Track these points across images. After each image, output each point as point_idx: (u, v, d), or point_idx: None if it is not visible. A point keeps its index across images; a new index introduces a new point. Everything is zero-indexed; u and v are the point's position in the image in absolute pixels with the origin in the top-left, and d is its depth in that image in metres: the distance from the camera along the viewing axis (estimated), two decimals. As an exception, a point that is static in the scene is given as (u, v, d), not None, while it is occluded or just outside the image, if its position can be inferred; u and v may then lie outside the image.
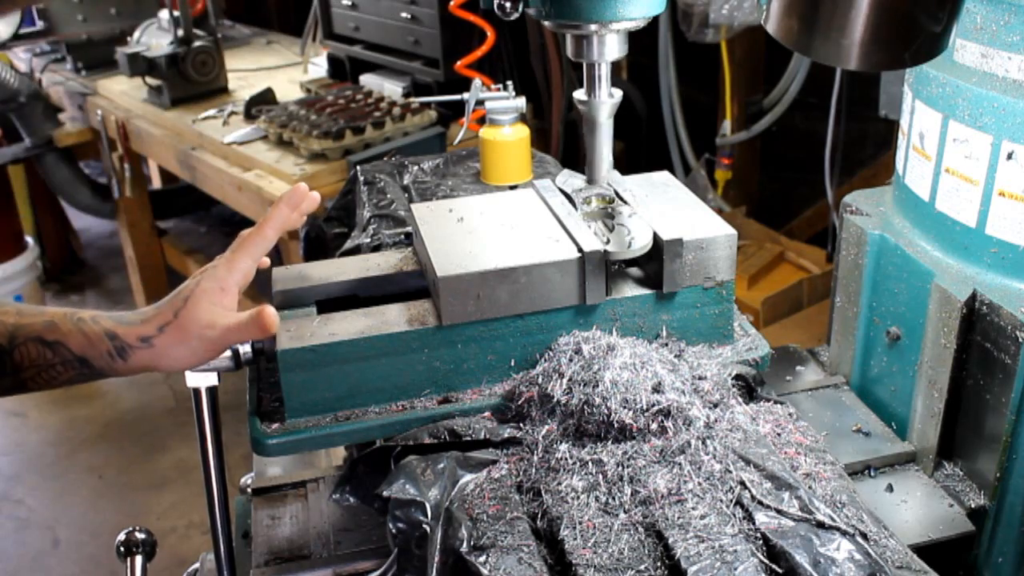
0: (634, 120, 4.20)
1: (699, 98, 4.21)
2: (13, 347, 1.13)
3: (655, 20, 1.37)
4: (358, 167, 2.04)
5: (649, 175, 1.52)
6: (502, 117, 1.96)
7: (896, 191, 1.56)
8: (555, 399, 1.20)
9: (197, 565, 1.50)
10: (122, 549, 1.43)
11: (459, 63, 2.89)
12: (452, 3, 2.89)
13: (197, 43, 3.89)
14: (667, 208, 1.39)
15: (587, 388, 1.19)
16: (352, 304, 1.34)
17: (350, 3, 3.78)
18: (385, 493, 1.11)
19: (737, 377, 1.31)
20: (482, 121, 2.00)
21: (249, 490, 1.51)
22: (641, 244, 1.29)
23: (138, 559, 1.43)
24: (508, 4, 1.27)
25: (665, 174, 1.53)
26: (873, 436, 1.52)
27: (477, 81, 2.02)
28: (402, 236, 1.71)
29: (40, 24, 4.47)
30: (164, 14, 4.12)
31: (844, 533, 1.04)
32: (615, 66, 1.41)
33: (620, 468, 1.15)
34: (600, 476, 1.15)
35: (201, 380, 1.22)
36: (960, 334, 1.34)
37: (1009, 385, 1.29)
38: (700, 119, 4.16)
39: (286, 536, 1.40)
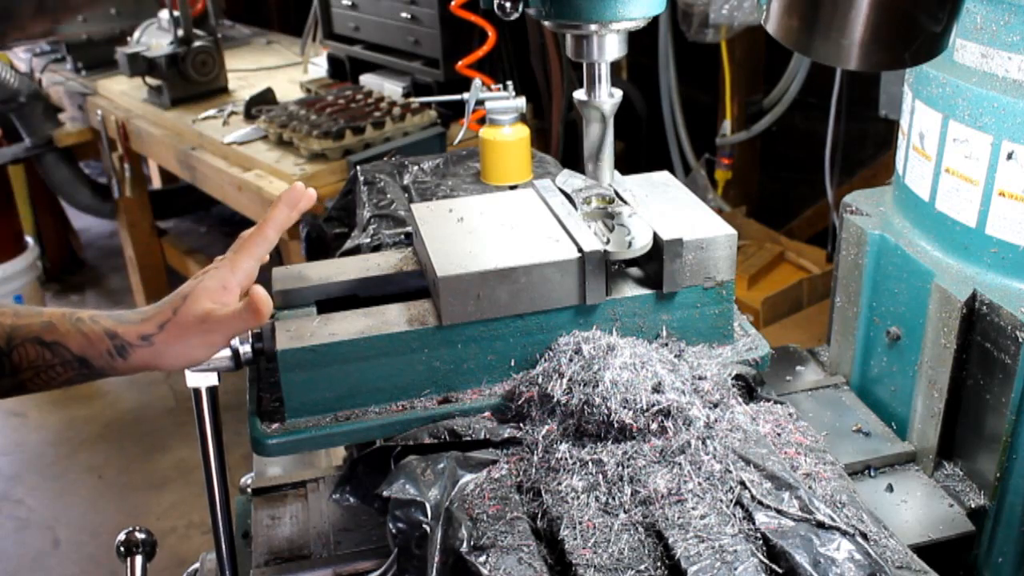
0: (634, 120, 4.20)
1: (699, 98, 4.21)
2: (11, 348, 1.13)
3: (655, 20, 1.37)
4: (358, 167, 2.05)
5: (649, 175, 1.52)
6: (502, 117, 1.96)
7: (896, 191, 1.56)
8: (555, 399, 1.20)
9: (197, 565, 1.50)
10: (122, 549, 1.43)
11: (460, 63, 2.89)
12: (452, 3, 2.89)
13: (197, 43, 3.89)
14: (667, 208, 1.39)
15: (587, 388, 1.19)
16: (352, 304, 1.34)
17: (350, 3, 3.78)
18: (385, 493, 1.11)
19: (737, 377, 1.31)
20: (482, 121, 2.00)
21: (249, 490, 1.51)
22: (641, 244, 1.29)
23: (138, 559, 1.43)
24: (508, 4, 1.27)
25: (665, 174, 1.53)
26: (873, 436, 1.52)
27: (477, 81, 2.02)
28: (402, 236, 1.71)
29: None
30: (164, 14, 4.13)
31: (844, 533, 1.04)
32: (615, 66, 1.41)
33: (620, 468, 1.15)
34: (600, 476, 1.15)
35: (201, 380, 1.22)
36: (960, 334, 1.34)
37: (1009, 385, 1.29)
38: (700, 119, 4.16)
39: (286, 536, 1.40)
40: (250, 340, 1.24)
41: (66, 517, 3.70)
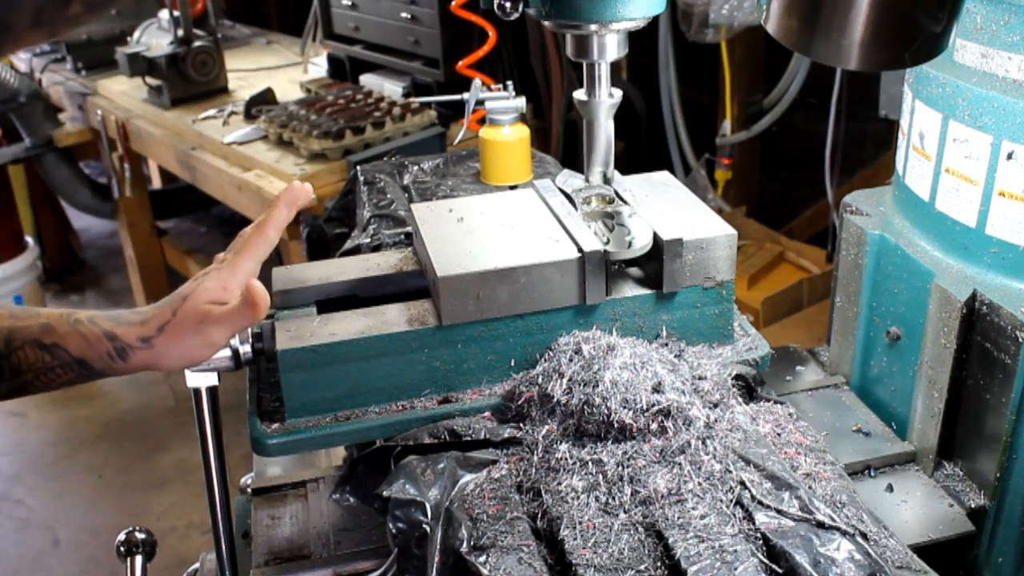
0: (634, 120, 4.20)
1: (699, 98, 4.21)
2: (10, 351, 1.13)
3: (655, 20, 1.37)
4: (358, 167, 2.05)
5: (649, 175, 1.52)
6: (502, 117, 1.96)
7: (896, 191, 1.56)
8: (555, 399, 1.20)
9: (197, 565, 1.50)
10: (122, 549, 1.43)
11: (460, 63, 2.89)
12: (452, 3, 2.89)
13: (197, 43, 3.89)
14: (667, 208, 1.39)
15: (587, 388, 1.19)
16: (352, 304, 1.34)
17: (350, 3, 3.78)
18: (385, 493, 1.11)
19: (737, 377, 1.31)
20: (482, 121, 2.00)
21: (249, 490, 1.51)
22: (641, 244, 1.29)
23: (138, 559, 1.43)
24: (508, 4, 1.27)
25: (665, 174, 1.53)
26: (873, 436, 1.52)
27: (477, 81, 2.02)
28: (402, 236, 1.71)
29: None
30: (164, 14, 4.13)
31: (844, 533, 1.04)
32: (615, 66, 1.41)
33: (620, 468, 1.15)
34: (600, 476, 1.15)
35: (201, 380, 1.22)
36: (960, 334, 1.34)
37: (1009, 385, 1.29)
38: (700, 119, 4.16)
39: (286, 536, 1.40)
40: (250, 340, 1.24)
41: (66, 517, 3.70)
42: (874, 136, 3.68)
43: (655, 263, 1.31)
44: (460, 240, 1.33)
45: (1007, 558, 1.38)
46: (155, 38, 4.21)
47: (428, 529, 1.09)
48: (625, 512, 1.10)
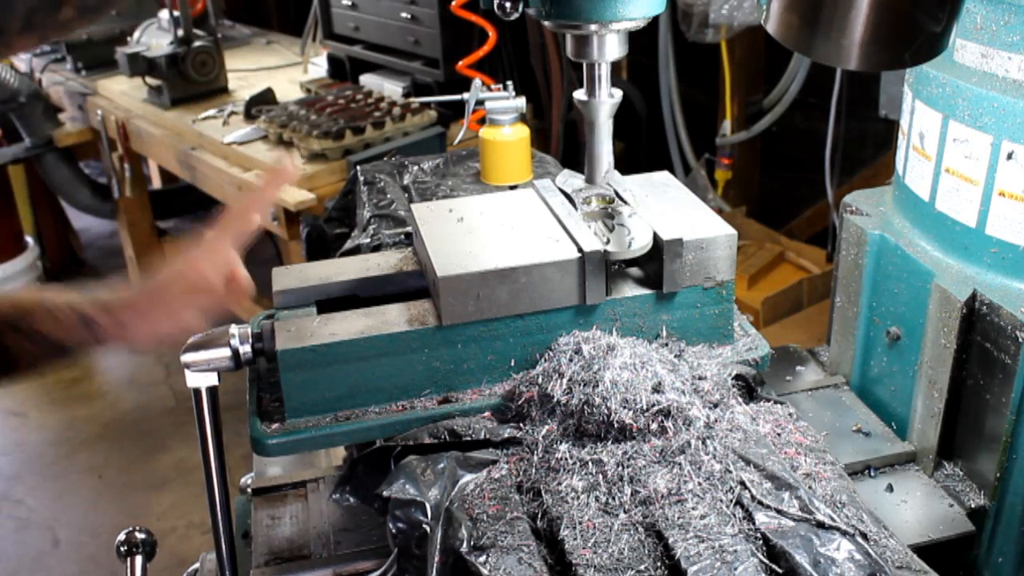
0: (634, 120, 4.20)
1: (699, 98, 4.21)
2: None
3: (655, 20, 1.37)
4: (358, 167, 2.05)
5: (649, 175, 1.52)
6: (502, 117, 1.96)
7: (896, 191, 1.56)
8: (555, 399, 1.20)
9: (197, 565, 1.50)
10: (122, 549, 1.43)
11: (460, 63, 2.89)
12: (452, 3, 2.89)
13: (197, 43, 3.89)
14: (667, 208, 1.39)
15: (587, 388, 1.19)
16: (352, 304, 1.34)
17: (350, 3, 3.78)
18: (385, 493, 1.11)
19: (737, 377, 1.30)
20: (482, 121, 2.00)
21: (249, 490, 1.51)
22: (641, 244, 1.29)
23: (138, 559, 1.43)
24: (508, 4, 1.27)
25: (665, 174, 1.53)
26: (873, 436, 1.52)
27: (477, 81, 2.02)
28: (402, 236, 1.71)
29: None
30: (164, 14, 4.12)
31: (844, 533, 1.04)
32: (615, 66, 1.41)
33: (620, 468, 1.15)
34: (600, 476, 1.15)
35: (201, 380, 1.22)
36: (960, 334, 1.34)
37: (1009, 385, 1.29)
38: (700, 119, 4.16)
39: (286, 536, 1.40)
40: (250, 340, 1.24)
41: (66, 517, 3.69)
42: (874, 136, 3.68)
43: (655, 263, 1.31)
44: (460, 240, 1.33)
45: (1007, 558, 1.38)
46: (155, 38, 4.20)
47: (428, 529, 1.09)
48: (625, 512, 1.10)
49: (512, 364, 1.30)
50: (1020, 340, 1.26)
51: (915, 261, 1.44)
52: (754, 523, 1.06)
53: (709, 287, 1.33)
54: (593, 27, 1.27)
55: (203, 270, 1.19)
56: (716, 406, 1.24)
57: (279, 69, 4.38)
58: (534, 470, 1.18)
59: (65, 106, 4.48)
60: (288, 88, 4.02)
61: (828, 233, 3.62)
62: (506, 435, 1.22)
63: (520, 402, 1.24)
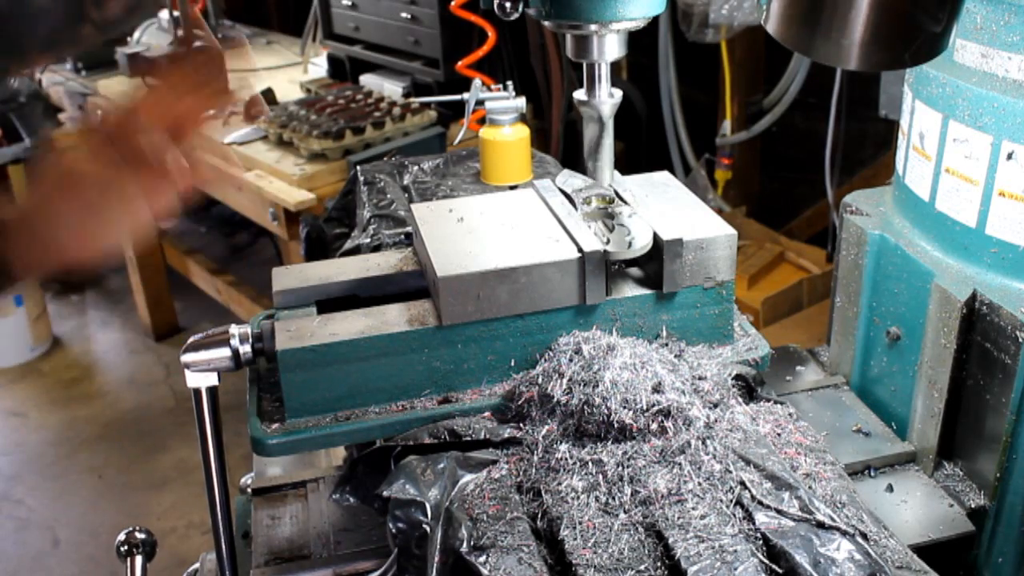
0: (634, 120, 4.21)
1: (699, 98, 4.21)
2: None
3: (655, 20, 1.37)
4: (358, 167, 2.05)
5: (649, 175, 1.52)
6: (502, 117, 1.96)
7: (896, 191, 1.56)
8: (555, 399, 1.20)
9: (197, 565, 1.50)
10: (122, 549, 1.43)
11: (460, 63, 2.89)
12: (452, 3, 2.89)
13: (197, 43, 3.88)
14: (667, 208, 1.39)
15: (587, 388, 1.19)
16: (352, 304, 1.34)
17: (350, 3, 3.78)
18: (385, 493, 1.11)
19: (737, 377, 1.30)
20: (482, 121, 2.00)
21: (249, 490, 1.51)
22: (641, 244, 1.29)
23: (138, 559, 1.43)
24: (508, 4, 1.27)
25: (665, 174, 1.53)
26: (873, 436, 1.52)
27: (477, 81, 2.02)
28: (402, 236, 1.71)
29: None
30: (164, 14, 4.12)
31: (844, 533, 1.04)
32: (615, 66, 1.41)
33: (620, 468, 1.15)
34: (600, 476, 1.15)
35: (201, 380, 1.22)
36: (960, 334, 1.34)
37: (1009, 385, 1.29)
38: (700, 119, 4.16)
39: (286, 536, 1.40)
40: (250, 340, 1.24)
41: (66, 517, 3.70)
42: (874, 136, 3.68)
43: (655, 263, 1.31)
44: (460, 240, 1.33)
45: (1007, 558, 1.38)
46: (155, 38, 4.20)
47: (428, 529, 1.09)
48: (625, 512, 1.10)
49: (512, 364, 1.30)
50: (1020, 340, 1.26)
51: (915, 261, 1.44)
52: (754, 523, 1.06)
53: (709, 287, 1.33)
54: (593, 27, 1.27)
55: (134, 134, 0.95)
56: (716, 406, 1.24)
57: (279, 69, 4.38)
58: (534, 470, 1.18)
59: (65, 106, 4.48)
60: (288, 88, 4.02)
61: (828, 233, 3.62)
62: (506, 435, 1.22)
63: (520, 402, 1.24)
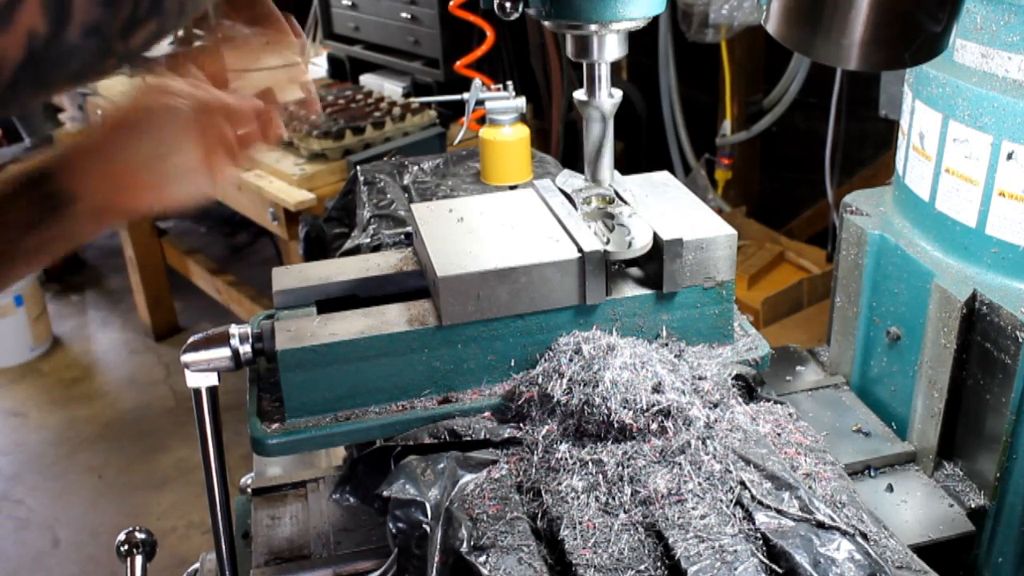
0: (634, 120, 4.20)
1: (699, 98, 4.21)
2: None
3: (655, 20, 1.37)
4: (358, 167, 2.05)
5: (649, 175, 1.52)
6: (502, 117, 1.96)
7: (896, 191, 1.56)
8: (555, 399, 1.20)
9: (197, 565, 1.50)
10: (122, 549, 1.43)
11: (458, 63, 2.89)
12: (452, 3, 2.89)
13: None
14: (667, 208, 1.39)
15: (587, 388, 1.19)
16: (352, 304, 1.34)
17: (350, 3, 3.78)
18: (385, 493, 1.11)
19: (737, 377, 1.30)
20: (482, 121, 2.00)
21: (249, 490, 1.51)
22: (641, 244, 1.29)
23: (138, 559, 1.43)
24: (508, 4, 1.27)
25: (665, 174, 1.53)
26: (873, 436, 1.52)
27: (477, 81, 2.02)
28: (402, 236, 1.71)
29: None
30: (164, 14, 4.12)
31: (844, 533, 1.04)
32: (615, 66, 1.41)
33: (620, 468, 1.15)
34: (600, 476, 1.15)
35: (201, 380, 1.22)
36: (960, 334, 1.34)
37: (1009, 385, 1.29)
38: (700, 119, 4.16)
39: (286, 536, 1.40)
40: (250, 340, 1.24)
41: (66, 517, 3.70)
42: (874, 136, 3.68)
43: (655, 263, 1.31)
44: (460, 240, 1.33)
45: (1007, 558, 1.38)
46: (155, 38, 4.20)
47: (428, 529, 1.09)
48: (625, 512, 1.10)
49: (512, 364, 1.30)
50: (1020, 340, 1.26)
51: (915, 261, 1.44)
52: (754, 523, 1.06)
53: (709, 287, 1.33)
54: (593, 27, 1.27)
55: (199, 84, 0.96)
56: (716, 406, 1.24)
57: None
58: (534, 470, 1.18)
59: (65, 106, 4.48)
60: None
61: (828, 233, 3.62)
62: (506, 435, 1.22)
63: (520, 402, 1.24)
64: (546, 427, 1.21)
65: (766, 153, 4.25)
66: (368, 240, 1.72)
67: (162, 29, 0.60)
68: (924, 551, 1.29)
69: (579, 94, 1.36)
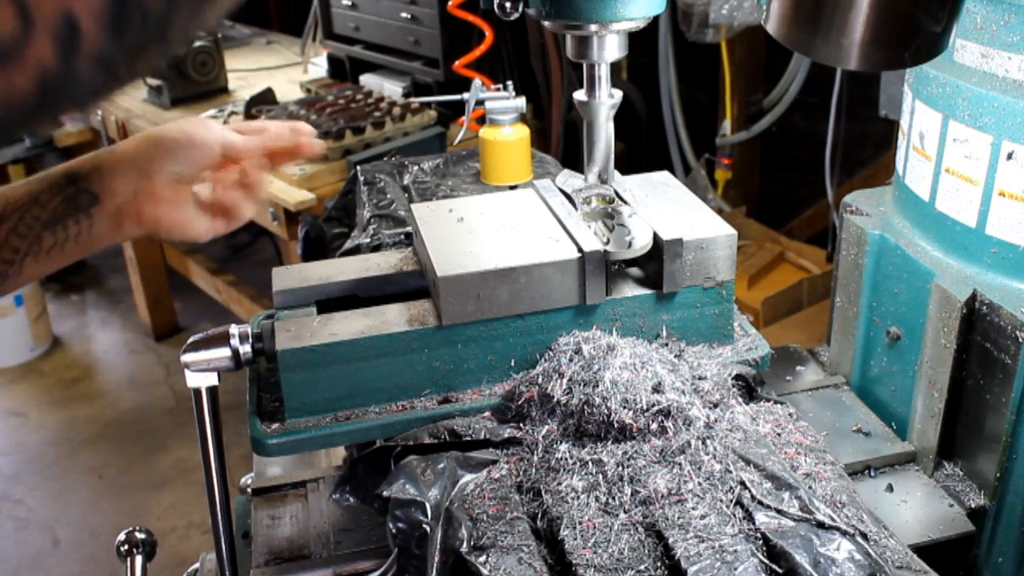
0: (634, 120, 4.21)
1: (699, 98, 4.21)
2: None
3: (655, 20, 1.37)
4: (358, 167, 2.04)
5: (649, 175, 1.52)
6: (502, 117, 1.96)
7: (896, 191, 1.56)
8: (555, 399, 1.20)
9: (197, 565, 1.50)
10: (122, 549, 1.43)
11: (458, 63, 2.89)
12: (451, 3, 2.89)
13: (197, 43, 3.89)
14: (667, 208, 1.39)
15: (587, 388, 1.19)
16: (352, 304, 1.34)
17: (350, 3, 3.78)
18: (385, 493, 1.11)
19: (737, 377, 1.30)
20: (482, 121, 2.00)
21: (249, 490, 1.51)
22: (641, 244, 1.29)
23: (138, 559, 1.43)
24: (508, 4, 1.27)
25: (665, 174, 1.53)
26: (873, 436, 1.52)
27: (477, 81, 2.02)
28: (402, 236, 1.71)
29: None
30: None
31: (844, 533, 1.04)
32: (615, 66, 1.41)
33: (620, 468, 1.15)
34: (600, 476, 1.15)
35: (201, 380, 1.22)
36: (960, 334, 1.34)
37: (1009, 385, 1.29)
38: (700, 119, 4.16)
39: (286, 536, 1.40)
40: (250, 340, 1.24)
41: (66, 517, 3.70)
42: (874, 136, 3.68)
43: (655, 263, 1.31)
44: (460, 240, 1.33)
45: (1007, 558, 1.38)
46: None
47: (428, 529, 1.09)
48: (625, 512, 1.10)
49: (512, 364, 1.30)
50: (1020, 340, 1.26)
51: (915, 261, 1.44)
52: (754, 523, 1.06)
53: (709, 287, 1.33)
54: (593, 27, 1.27)
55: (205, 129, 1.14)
56: (716, 406, 1.24)
57: (279, 69, 4.38)
58: (534, 470, 1.18)
59: (65, 106, 4.47)
60: (288, 88, 4.02)
61: (828, 233, 3.62)
62: (506, 435, 1.22)
63: (520, 402, 1.24)
64: (546, 427, 1.21)
65: (766, 153, 4.25)
66: (368, 240, 1.72)
67: (165, 54, 0.62)
68: (924, 551, 1.29)
69: (579, 94, 1.36)
